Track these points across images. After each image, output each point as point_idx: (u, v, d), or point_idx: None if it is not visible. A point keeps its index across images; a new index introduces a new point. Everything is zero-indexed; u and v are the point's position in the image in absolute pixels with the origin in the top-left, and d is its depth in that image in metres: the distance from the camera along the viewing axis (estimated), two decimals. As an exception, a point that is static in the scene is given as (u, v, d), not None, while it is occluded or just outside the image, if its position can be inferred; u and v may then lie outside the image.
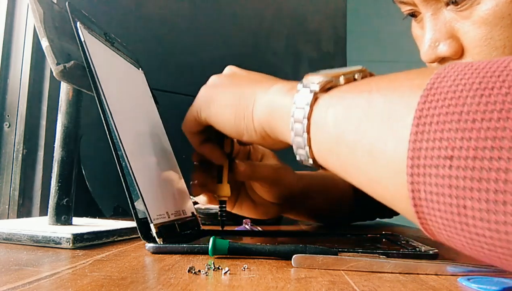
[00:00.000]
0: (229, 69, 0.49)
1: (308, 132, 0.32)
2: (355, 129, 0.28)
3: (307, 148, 0.33)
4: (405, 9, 0.50)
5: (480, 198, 0.20)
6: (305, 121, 0.32)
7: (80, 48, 0.42)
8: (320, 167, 0.34)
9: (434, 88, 0.23)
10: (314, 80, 0.33)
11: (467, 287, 0.29)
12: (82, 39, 0.41)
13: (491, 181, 0.19)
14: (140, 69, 0.56)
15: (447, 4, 0.45)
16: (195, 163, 0.53)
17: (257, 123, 0.40)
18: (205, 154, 0.50)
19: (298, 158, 0.34)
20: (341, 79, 0.32)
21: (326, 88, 0.32)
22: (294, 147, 0.34)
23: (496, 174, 0.19)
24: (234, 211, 0.59)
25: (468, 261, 0.34)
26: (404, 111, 0.24)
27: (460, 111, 0.21)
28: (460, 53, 0.46)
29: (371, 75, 0.34)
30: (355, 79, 0.33)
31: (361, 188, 0.30)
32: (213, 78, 0.47)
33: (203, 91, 0.46)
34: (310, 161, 0.33)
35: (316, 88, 0.32)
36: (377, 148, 0.26)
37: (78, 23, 0.42)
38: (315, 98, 0.32)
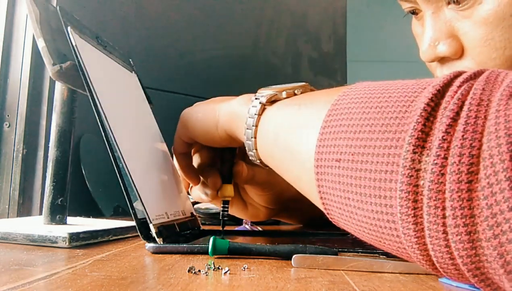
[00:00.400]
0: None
1: (255, 137, 0.39)
2: (285, 135, 0.34)
3: (254, 151, 0.40)
4: (406, 6, 0.50)
5: (357, 192, 0.25)
6: (253, 128, 0.39)
7: (72, 52, 0.42)
8: (266, 166, 0.41)
9: (337, 104, 0.29)
10: (263, 93, 0.40)
11: (466, 287, 0.29)
12: (74, 43, 0.42)
13: (364, 179, 0.24)
14: (133, 72, 0.56)
15: (448, 3, 0.45)
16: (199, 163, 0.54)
17: (222, 130, 0.46)
18: (187, 174, 0.54)
19: (250, 158, 0.41)
20: (284, 94, 0.39)
21: (272, 100, 0.39)
22: (246, 149, 0.41)
23: (366, 173, 0.24)
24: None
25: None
26: (316, 122, 0.30)
27: (348, 124, 0.27)
28: (460, 53, 0.46)
29: (311, 90, 0.40)
30: (295, 94, 0.38)
31: (293, 185, 0.35)
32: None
33: (181, 116, 0.51)
34: (258, 161, 0.41)
35: (264, 100, 0.39)
36: (296, 150, 0.32)
37: (69, 28, 0.42)
38: (262, 109, 0.39)
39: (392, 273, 0.33)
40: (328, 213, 0.29)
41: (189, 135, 0.50)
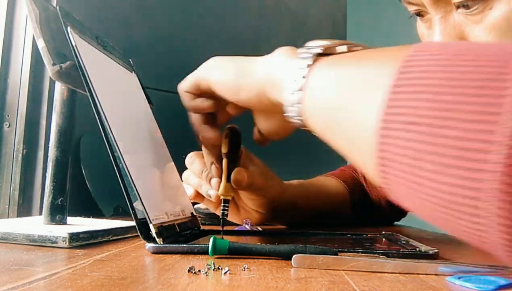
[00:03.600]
0: None
1: (303, 90, 0.34)
2: (342, 93, 0.31)
3: (298, 105, 0.35)
4: (412, 8, 0.49)
5: (433, 161, 0.22)
6: (303, 80, 0.34)
7: (72, 52, 0.42)
8: (303, 126, 0.36)
9: (411, 61, 0.25)
10: (318, 43, 0.35)
11: (465, 287, 0.29)
12: (74, 44, 0.42)
13: (446, 146, 0.22)
14: (133, 72, 0.56)
15: (458, 7, 0.44)
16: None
17: (256, 81, 0.41)
18: (193, 120, 0.51)
19: (286, 114, 0.36)
20: (344, 48, 0.35)
21: (327, 53, 0.35)
22: (286, 104, 0.36)
23: (449, 140, 0.21)
24: (216, 212, 0.59)
25: (468, 261, 0.34)
26: (383, 79, 0.26)
27: (426, 83, 0.23)
28: None
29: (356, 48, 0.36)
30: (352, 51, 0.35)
31: (338, 148, 0.32)
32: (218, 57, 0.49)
33: (210, 61, 0.47)
34: (297, 119, 0.36)
35: (318, 51, 0.34)
36: (356, 110, 0.28)
37: (68, 28, 0.42)
38: (314, 60, 0.34)
39: (392, 273, 0.33)
40: (386, 184, 0.26)
41: (209, 83, 0.46)
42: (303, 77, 0.34)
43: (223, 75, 0.44)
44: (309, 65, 0.34)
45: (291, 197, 0.66)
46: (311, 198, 0.71)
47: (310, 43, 0.36)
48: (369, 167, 0.28)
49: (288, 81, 0.35)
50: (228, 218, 0.59)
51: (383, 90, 0.25)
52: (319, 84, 0.33)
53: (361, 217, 0.75)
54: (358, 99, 0.29)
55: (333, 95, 0.32)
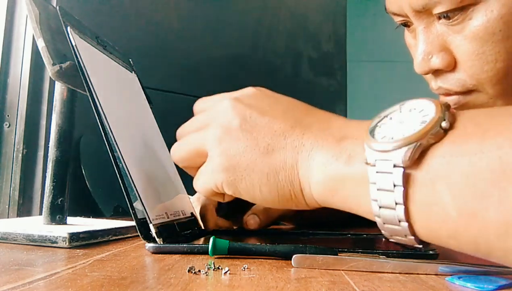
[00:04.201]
0: (240, 102, 0.38)
1: (405, 204, 0.27)
2: (486, 200, 0.24)
3: (403, 224, 0.28)
4: (398, 19, 0.50)
5: None
6: (401, 190, 0.27)
7: (72, 52, 0.42)
8: (420, 241, 0.29)
9: None
10: (392, 148, 0.27)
11: (465, 287, 0.29)
12: (73, 44, 0.42)
13: None
14: (133, 72, 0.56)
15: (439, 18, 0.45)
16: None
17: (314, 197, 0.34)
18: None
19: (387, 233, 0.30)
20: (430, 137, 0.27)
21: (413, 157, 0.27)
22: (379, 222, 0.30)
23: None
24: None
25: (468, 261, 0.34)
26: None
27: None
28: (452, 65, 0.46)
29: (453, 115, 0.28)
30: (443, 130, 0.27)
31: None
32: (222, 128, 0.37)
33: (218, 159, 0.36)
34: (409, 237, 0.29)
35: (400, 161, 0.27)
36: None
37: (68, 28, 0.42)
38: (406, 176, 0.27)
39: (392, 273, 0.33)
40: None
41: (240, 196, 0.37)
42: (401, 185, 0.27)
43: (259, 194, 0.35)
44: (402, 184, 0.27)
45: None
46: None
47: (377, 143, 0.28)
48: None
49: (372, 195, 0.29)
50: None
51: None
52: (432, 191, 0.26)
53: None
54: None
55: (460, 201, 0.25)
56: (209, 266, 0.32)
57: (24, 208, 0.82)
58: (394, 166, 0.27)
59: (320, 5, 1.53)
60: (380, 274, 0.33)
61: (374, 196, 0.29)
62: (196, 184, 0.39)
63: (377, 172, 0.28)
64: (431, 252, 0.39)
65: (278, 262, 0.36)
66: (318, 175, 0.33)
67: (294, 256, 0.34)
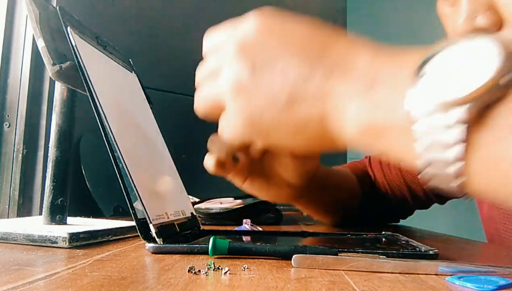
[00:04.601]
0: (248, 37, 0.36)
1: (465, 159, 0.24)
2: None
3: (460, 179, 0.25)
4: None
5: None
6: (462, 145, 0.24)
7: (72, 52, 0.42)
8: (463, 190, 0.26)
9: None
10: (451, 101, 0.24)
11: (465, 287, 0.29)
12: (74, 44, 0.42)
13: None
14: (133, 72, 0.56)
15: None
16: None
17: (351, 145, 0.31)
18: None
19: (422, 175, 0.26)
20: (495, 91, 0.23)
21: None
22: (428, 176, 0.26)
23: None
24: (243, 187, 0.51)
25: (468, 261, 0.34)
26: None
27: None
28: (499, 25, 0.44)
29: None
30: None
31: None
32: (232, 82, 0.34)
33: (238, 118, 0.34)
34: (455, 182, 0.25)
35: (463, 116, 0.23)
36: None
37: (68, 28, 0.42)
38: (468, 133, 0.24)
39: (392, 273, 0.33)
40: None
41: (269, 146, 0.36)
42: (463, 141, 0.24)
43: (289, 143, 0.33)
44: (464, 141, 0.24)
45: (324, 175, 0.64)
46: (338, 182, 0.70)
47: (431, 91, 0.25)
48: None
49: (424, 147, 0.25)
50: (255, 194, 0.53)
51: None
52: (497, 161, 0.23)
53: (367, 211, 0.75)
54: None
55: None
56: (209, 266, 0.32)
57: (24, 208, 0.82)
58: (455, 121, 0.24)
59: (320, 5, 1.53)
60: (380, 274, 0.33)
61: (424, 152, 0.25)
62: (223, 134, 0.37)
63: (428, 127, 0.25)
64: (431, 252, 0.39)
65: (278, 262, 0.36)
66: (351, 128, 0.29)
67: (294, 256, 0.34)
